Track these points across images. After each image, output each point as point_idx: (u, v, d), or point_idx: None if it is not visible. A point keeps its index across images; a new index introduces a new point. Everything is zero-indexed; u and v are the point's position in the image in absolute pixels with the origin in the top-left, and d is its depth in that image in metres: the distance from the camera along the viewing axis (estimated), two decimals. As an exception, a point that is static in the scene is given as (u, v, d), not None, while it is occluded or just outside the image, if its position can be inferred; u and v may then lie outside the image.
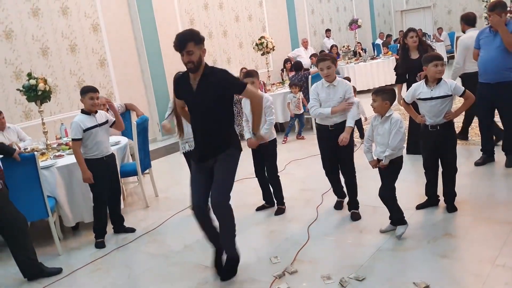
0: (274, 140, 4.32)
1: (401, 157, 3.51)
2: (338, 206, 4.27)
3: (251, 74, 4.19)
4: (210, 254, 3.32)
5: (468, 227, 3.55)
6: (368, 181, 4.18)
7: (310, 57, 10.55)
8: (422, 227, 3.63)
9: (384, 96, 3.41)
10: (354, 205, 4.06)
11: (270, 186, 4.46)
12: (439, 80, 3.67)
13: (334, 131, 3.89)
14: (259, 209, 4.52)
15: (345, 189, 4.16)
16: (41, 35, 7.00)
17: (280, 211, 4.37)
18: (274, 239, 3.88)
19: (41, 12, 6.99)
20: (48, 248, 4.21)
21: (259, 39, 8.28)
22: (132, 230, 4.41)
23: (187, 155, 4.49)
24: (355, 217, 3.97)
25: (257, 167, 4.45)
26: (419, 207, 3.97)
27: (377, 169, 3.58)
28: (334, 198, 4.33)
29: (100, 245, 4.15)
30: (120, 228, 4.41)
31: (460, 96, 3.76)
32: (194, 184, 3.21)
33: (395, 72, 5.65)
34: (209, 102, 3.04)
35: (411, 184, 4.52)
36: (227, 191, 3.12)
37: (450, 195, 3.87)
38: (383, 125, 3.46)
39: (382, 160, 3.47)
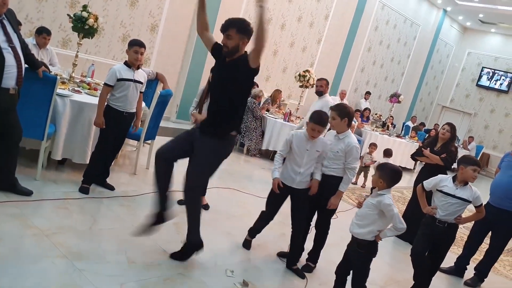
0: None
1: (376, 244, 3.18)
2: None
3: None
4: (173, 240, 3.31)
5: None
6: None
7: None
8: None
9: (382, 173, 3.09)
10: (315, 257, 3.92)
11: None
12: (466, 183, 3.72)
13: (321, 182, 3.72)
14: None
15: None
16: None
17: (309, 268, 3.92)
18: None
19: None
20: (28, 169, 4.22)
21: (304, 71, 8.38)
22: (111, 188, 4.41)
23: None
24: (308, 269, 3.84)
25: (273, 209, 3.86)
26: None
27: (345, 254, 3.28)
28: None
29: (84, 190, 4.15)
30: (102, 182, 4.41)
31: (476, 207, 3.82)
32: (175, 140, 3.32)
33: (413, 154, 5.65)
34: (230, 83, 3.17)
35: (385, 265, 4.48)
36: (204, 179, 3.25)
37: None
38: (372, 198, 3.12)
39: (352, 233, 3.16)
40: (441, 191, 3.76)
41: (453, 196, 3.70)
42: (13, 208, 3.46)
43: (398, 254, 4.77)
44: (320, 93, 6.25)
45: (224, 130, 3.25)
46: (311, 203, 3.76)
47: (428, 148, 5.16)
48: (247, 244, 3.95)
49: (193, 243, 3.33)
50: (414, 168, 11.04)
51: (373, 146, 8.00)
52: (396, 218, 3.02)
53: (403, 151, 11.07)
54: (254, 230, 3.95)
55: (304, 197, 3.68)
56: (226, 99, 3.22)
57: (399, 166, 7.98)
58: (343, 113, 3.66)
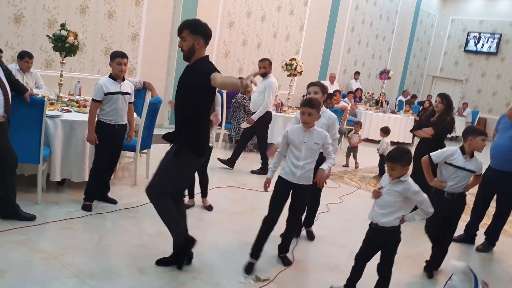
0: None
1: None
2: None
3: (309, 103, 3.54)
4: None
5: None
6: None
7: (333, 93, 10.63)
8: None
9: (404, 162, 3.01)
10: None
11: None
12: (473, 155, 3.76)
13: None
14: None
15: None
16: None
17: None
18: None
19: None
20: (29, 195, 4.21)
21: (290, 60, 8.37)
22: (114, 201, 4.41)
23: None
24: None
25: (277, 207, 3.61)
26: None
27: (368, 243, 3.22)
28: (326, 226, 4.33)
29: (87, 207, 4.16)
30: (104, 197, 4.41)
31: (477, 176, 3.88)
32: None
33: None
34: (184, 89, 3.14)
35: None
36: (160, 184, 3.19)
37: (436, 262, 3.89)
38: (393, 185, 3.05)
39: (377, 223, 3.10)
40: (451, 164, 3.76)
41: (463, 168, 3.72)
42: (18, 235, 3.47)
43: (407, 229, 4.77)
44: (264, 74, 6.32)
45: (182, 142, 3.18)
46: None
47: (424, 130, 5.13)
48: (249, 269, 3.45)
49: (177, 243, 3.30)
50: (412, 142, 11.06)
51: (358, 124, 7.95)
52: (427, 203, 3.01)
53: (399, 126, 11.08)
54: (257, 249, 3.52)
55: (305, 196, 3.59)
56: (184, 109, 3.15)
57: (397, 141, 8.05)
58: (325, 89, 4.00)
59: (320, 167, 3.57)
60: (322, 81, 11.93)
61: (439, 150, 3.90)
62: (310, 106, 3.43)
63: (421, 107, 13.20)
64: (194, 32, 3.06)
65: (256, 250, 3.51)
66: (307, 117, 3.43)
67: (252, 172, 6.40)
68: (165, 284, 3.09)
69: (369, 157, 8.35)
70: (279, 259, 3.71)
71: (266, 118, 6.42)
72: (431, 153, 3.87)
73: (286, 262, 3.68)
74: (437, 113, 5.11)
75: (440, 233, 3.89)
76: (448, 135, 5.55)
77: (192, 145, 3.16)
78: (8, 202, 3.66)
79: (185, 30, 3.07)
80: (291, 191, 3.55)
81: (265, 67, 6.30)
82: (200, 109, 3.15)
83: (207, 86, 3.02)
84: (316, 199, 4.26)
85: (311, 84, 4.05)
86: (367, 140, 10.47)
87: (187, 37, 3.06)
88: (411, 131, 5.60)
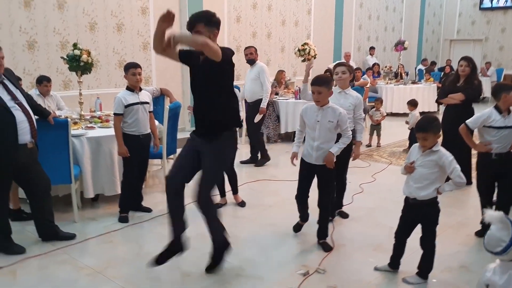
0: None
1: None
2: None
3: (319, 82, 3.54)
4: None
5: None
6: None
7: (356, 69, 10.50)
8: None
9: (435, 129, 2.95)
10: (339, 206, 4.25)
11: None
12: (509, 111, 3.65)
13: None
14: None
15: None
16: (91, 10, 7.17)
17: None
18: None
19: None
20: (66, 214, 4.30)
21: (302, 45, 8.29)
22: (148, 210, 4.47)
23: None
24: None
25: (303, 189, 3.78)
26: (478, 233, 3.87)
27: (406, 218, 3.17)
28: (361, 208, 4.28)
29: (123, 219, 4.23)
30: (138, 206, 4.47)
31: None
32: (179, 160, 3.21)
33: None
34: (206, 78, 2.99)
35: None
36: (209, 190, 3.11)
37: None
38: (426, 157, 2.99)
39: (415, 197, 3.03)
40: (490, 127, 3.65)
41: (505, 127, 3.62)
42: (61, 255, 3.55)
43: (444, 199, 4.68)
44: (252, 61, 6.17)
45: (215, 129, 3.07)
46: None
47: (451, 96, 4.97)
48: (297, 227, 3.94)
49: (220, 243, 3.25)
50: (438, 110, 10.83)
51: (378, 101, 7.78)
52: (459, 173, 2.92)
53: (422, 96, 10.84)
54: (303, 214, 3.88)
55: (328, 176, 3.60)
56: (208, 99, 3.04)
57: (423, 111, 7.88)
58: (352, 68, 4.10)
59: (330, 150, 3.53)
60: (338, 61, 11.80)
61: (474, 116, 3.80)
62: (318, 84, 3.44)
63: (442, 73, 12.90)
64: (209, 24, 2.94)
65: (303, 215, 3.88)
66: (317, 96, 3.45)
67: (242, 162, 6.28)
68: (211, 285, 3.11)
69: (395, 132, 8.23)
70: (319, 247, 3.69)
71: (258, 105, 6.16)
72: (466, 121, 3.77)
73: (327, 248, 3.66)
74: (463, 78, 4.97)
75: (491, 194, 3.81)
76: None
77: (226, 122, 3.10)
78: (47, 225, 3.75)
79: (200, 24, 2.91)
80: (315, 172, 3.64)
81: (251, 53, 6.13)
82: (228, 90, 3.11)
83: (222, 66, 2.92)
84: (340, 181, 4.17)
85: (338, 64, 4.09)
86: (391, 114, 10.31)
87: (203, 31, 2.90)
88: (437, 100, 5.47)
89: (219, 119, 3.06)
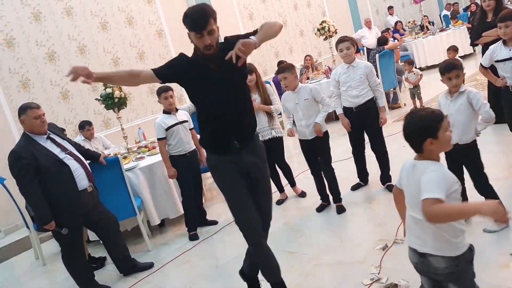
0: (327, 133, 4.05)
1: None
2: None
3: (282, 69, 3.94)
4: (293, 238, 3.31)
5: None
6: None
7: (382, 33, 10.24)
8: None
9: (461, 66, 2.95)
10: (386, 178, 4.23)
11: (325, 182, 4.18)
12: None
13: (357, 112, 4.08)
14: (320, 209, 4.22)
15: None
16: (99, 10, 7.28)
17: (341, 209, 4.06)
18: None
19: (109, 25, 7.35)
20: (139, 245, 4.44)
21: (320, 24, 8.13)
22: (214, 222, 4.54)
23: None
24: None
25: (312, 164, 4.18)
26: None
27: (451, 160, 3.10)
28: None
29: (193, 237, 4.31)
30: (204, 221, 4.55)
31: None
32: (238, 200, 2.66)
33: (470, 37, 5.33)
34: (234, 82, 2.55)
35: (497, 154, 4.24)
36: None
37: None
38: (456, 102, 2.97)
39: (457, 143, 2.91)
40: (498, 61, 3.61)
41: (510, 59, 3.51)
42: (144, 285, 3.66)
43: (500, 138, 4.48)
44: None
45: (251, 134, 2.70)
46: (357, 133, 4.17)
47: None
48: (320, 208, 4.18)
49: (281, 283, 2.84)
50: (474, 51, 10.38)
51: (408, 64, 7.39)
52: (487, 108, 2.91)
53: (454, 41, 10.40)
54: (322, 195, 4.21)
55: (323, 145, 3.99)
56: (241, 103, 2.61)
57: (458, 56, 7.56)
58: (354, 41, 4.16)
59: (315, 121, 3.89)
60: (360, 30, 11.54)
61: (484, 54, 3.79)
62: (281, 72, 3.84)
63: (469, 13, 12.34)
64: (215, 19, 2.45)
65: (323, 196, 4.19)
66: (284, 82, 3.86)
67: None
68: (292, 281, 3.10)
69: (436, 86, 7.91)
70: (390, 219, 3.61)
71: None
72: (480, 60, 3.82)
73: (340, 210, 3.99)
74: (490, 12, 4.75)
75: None
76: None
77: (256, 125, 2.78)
78: (125, 260, 3.87)
79: (211, 20, 2.38)
80: (315, 145, 3.99)
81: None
82: (247, 89, 2.83)
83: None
84: (378, 152, 4.21)
85: (339, 41, 4.06)
86: (427, 68, 9.96)
87: (215, 29, 2.41)
88: (471, 44, 5.24)
89: (253, 123, 2.73)
